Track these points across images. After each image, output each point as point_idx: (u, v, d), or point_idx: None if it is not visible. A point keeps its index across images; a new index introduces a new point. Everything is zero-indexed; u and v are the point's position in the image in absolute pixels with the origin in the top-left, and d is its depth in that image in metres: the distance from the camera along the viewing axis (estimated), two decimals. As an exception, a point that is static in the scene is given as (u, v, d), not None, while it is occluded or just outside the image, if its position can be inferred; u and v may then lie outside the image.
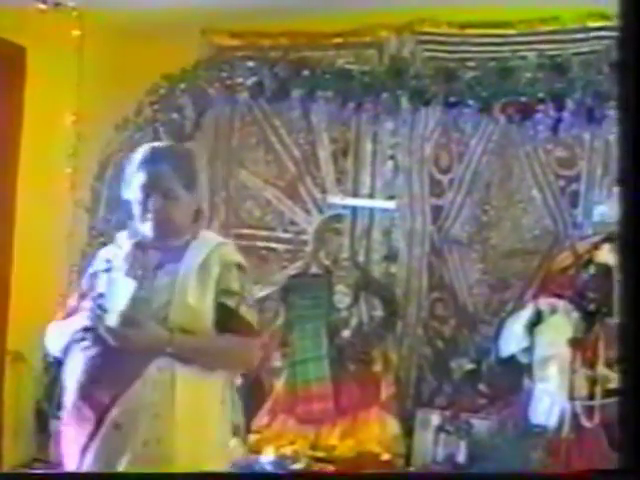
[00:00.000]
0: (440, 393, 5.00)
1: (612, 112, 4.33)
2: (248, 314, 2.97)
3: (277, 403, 4.91)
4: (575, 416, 4.23)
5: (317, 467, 4.58)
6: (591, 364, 4.23)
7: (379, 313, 5.05)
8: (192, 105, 5.23)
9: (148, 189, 2.92)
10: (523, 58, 4.75)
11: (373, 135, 5.25)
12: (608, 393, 4.12)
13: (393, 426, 4.80)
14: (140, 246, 2.98)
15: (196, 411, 2.88)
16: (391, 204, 5.19)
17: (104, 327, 2.78)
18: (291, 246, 5.32)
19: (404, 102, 4.90)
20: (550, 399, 4.33)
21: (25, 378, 5.13)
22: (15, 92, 5.08)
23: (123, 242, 3.03)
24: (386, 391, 4.85)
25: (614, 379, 4.10)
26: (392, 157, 5.23)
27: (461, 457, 4.63)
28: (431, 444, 4.76)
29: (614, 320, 4.17)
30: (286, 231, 5.39)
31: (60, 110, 5.21)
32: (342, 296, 4.99)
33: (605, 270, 4.25)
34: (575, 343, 4.29)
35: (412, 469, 4.68)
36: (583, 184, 4.82)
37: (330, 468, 4.57)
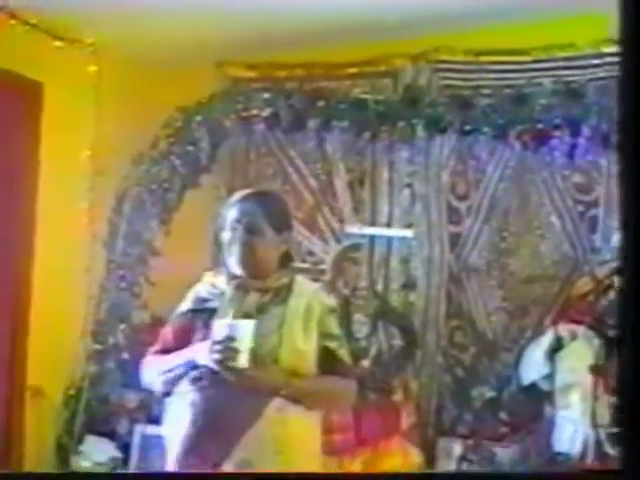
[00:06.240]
0: (461, 422, 4.97)
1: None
2: (346, 356, 3.10)
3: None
4: (599, 443, 4.20)
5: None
6: (613, 391, 4.20)
7: (398, 342, 5.03)
8: (208, 137, 5.24)
9: (236, 223, 3.05)
10: (538, 85, 4.74)
11: (389, 164, 5.26)
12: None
13: (415, 456, 4.76)
14: (240, 287, 3.07)
15: (304, 449, 3.02)
16: (409, 232, 5.19)
17: (232, 368, 2.87)
18: (309, 276, 5.28)
19: (420, 130, 4.89)
20: (573, 426, 4.29)
21: (45, 413, 5.13)
22: (32, 127, 5.13)
23: (218, 282, 3.11)
24: (407, 420, 4.82)
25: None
26: (409, 185, 5.23)
27: (484, 486, 4.59)
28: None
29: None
30: (304, 261, 5.38)
31: (77, 145, 5.24)
32: (360, 325, 4.97)
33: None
34: (596, 370, 4.26)
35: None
36: (601, 209, 4.80)
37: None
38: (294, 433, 2.95)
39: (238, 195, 3.15)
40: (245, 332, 2.88)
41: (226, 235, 3.08)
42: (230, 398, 2.90)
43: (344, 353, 3.08)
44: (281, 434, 2.91)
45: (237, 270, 3.06)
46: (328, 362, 3.04)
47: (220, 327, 2.94)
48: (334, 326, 3.09)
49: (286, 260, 3.15)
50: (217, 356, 2.86)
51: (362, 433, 4.75)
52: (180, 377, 3.00)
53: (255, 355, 2.89)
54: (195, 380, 2.95)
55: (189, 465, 2.95)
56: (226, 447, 2.89)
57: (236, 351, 2.85)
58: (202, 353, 2.92)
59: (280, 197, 3.36)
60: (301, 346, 2.98)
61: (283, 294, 3.07)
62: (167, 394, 3.08)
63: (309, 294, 3.09)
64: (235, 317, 2.97)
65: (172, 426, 3.03)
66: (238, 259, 3.04)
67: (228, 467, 2.88)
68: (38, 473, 4.38)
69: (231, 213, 3.08)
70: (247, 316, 2.98)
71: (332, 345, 3.06)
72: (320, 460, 3.16)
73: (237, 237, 3.04)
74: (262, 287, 3.06)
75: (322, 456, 4.66)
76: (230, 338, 2.87)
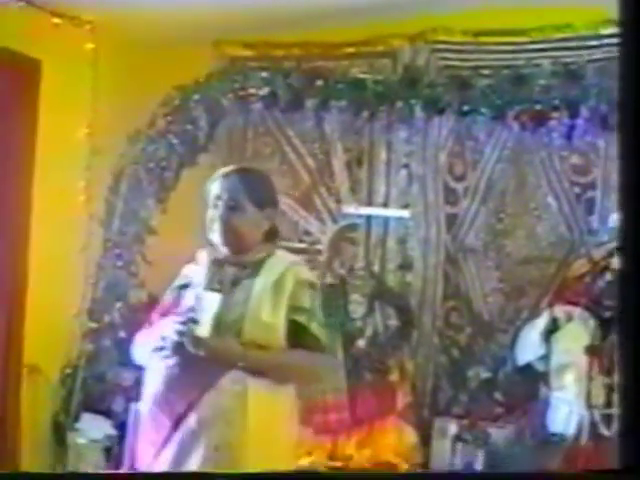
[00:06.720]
0: (457, 402, 4.99)
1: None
2: (318, 330, 3.05)
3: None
4: (593, 424, 4.21)
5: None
6: (608, 372, 4.21)
7: (394, 322, 5.03)
8: (205, 116, 5.22)
9: (217, 200, 3.08)
10: (537, 66, 4.74)
11: (387, 144, 5.25)
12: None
13: (410, 435, 4.78)
14: (217, 262, 3.11)
15: (268, 422, 2.98)
16: (406, 213, 5.19)
17: (192, 337, 2.90)
18: (306, 256, 5.28)
19: (418, 111, 4.87)
20: (568, 407, 4.31)
21: (42, 391, 5.15)
22: (30, 105, 5.10)
23: (202, 259, 3.16)
24: (402, 400, 4.84)
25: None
26: (406, 166, 5.22)
27: (479, 466, 4.61)
28: (449, 453, 4.74)
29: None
30: (301, 241, 5.39)
31: (74, 123, 5.23)
32: (357, 305, 4.98)
33: (621, 277, 4.23)
34: (592, 351, 4.27)
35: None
36: (599, 191, 4.81)
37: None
38: (254, 405, 2.93)
39: (221, 172, 3.16)
40: (210, 304, 2.93)
41: (210, 212, 3.10)
42: (187, 368, 2.92)
43: (315, 327, 3.04)
44: (233, 406, 2.91)
45: (219, 246, 3.09)
46: (297, 336, 3.02)
47: (187, 299, 3.00)
48: (306, 300, 3.05)
49: (271, 236, 3.16)
50: (177, 326, 2.90)
51: (357, 413, 4.77)
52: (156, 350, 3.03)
53: (219, 326, 2.92)
54: (158, 350, 2.97)
55: (147, 439, 3.02)
56: (177, 418, 2.93)
57: (195, 321, 2.89)
58: (168, 325, 2.97)
59: (263, 174, 3.34)
60: (266, 318, 2.97)
61: (258, 268, 3.07)
62: None
63: (284, 267, 3.07)
64: (208, 290, 3.00)
65: (144, 400, 3.09)
66: (219, 235, 3.06)
67: (177, 438, 2.92)
68: (35, 473, 4.37)
69: (213, 190, 3.10)
70: (221, 289, 3.00)
71: (301, 319, 3.02)
72: (293, 433, 3.15)
73: (218, 213, 3.06)
74: (240, 262, 3.08)
75: (318, 435, 4.75)
76: (191, 309, 2.93)
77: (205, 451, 2.90)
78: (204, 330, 2.90)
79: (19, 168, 5.08)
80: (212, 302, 2.94)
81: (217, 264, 3.10)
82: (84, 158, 5.29)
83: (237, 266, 3.08)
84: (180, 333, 2.89)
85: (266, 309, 2.98)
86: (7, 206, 5.05)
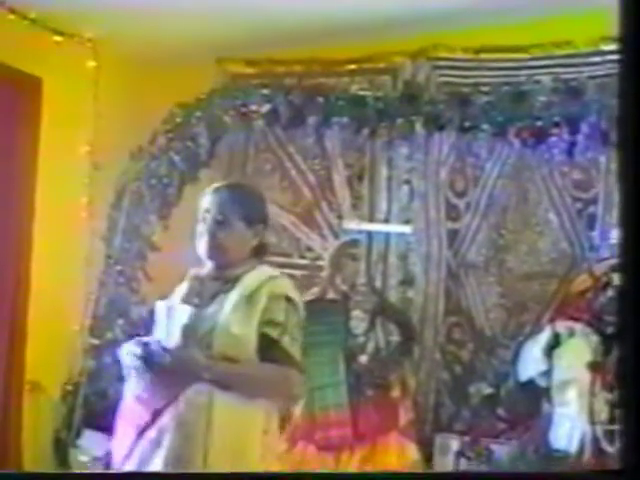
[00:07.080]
0: (459, 418, 4.98)
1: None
2: (290, 345, 3.02)
3: (296, 430, 4.87)
4: (596, 440, 4.20)
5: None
6: (611, 387, 4.21)
7: (396, 338, 5.03)
8: (207, 133, 5.23)
9: (205, 214, 3.08)
10: (537, 82, 4.74)
11: (388, 160, 5.27)
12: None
13: (412, 452, 4.76)
14: (199, 277, 3.12)
15: (236, 436, 2.96)
16: (407, 229, 5.20)
17: (158, 349, 2.92)
18: (307, 272, 5.31)
19: (419, 127, 4.88)
20: (570, 423, 4.29)
21: (43, 408, 5.14)
22: (32, 123, 5.12)
23: (190, 272, 3.18)
24: (405, 416, 4.82)
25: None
26: (408, 182, 5.23)
27: (481, 482, 4.60)
28: (451, 470, 4.73)
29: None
30: (302, 257, 5.39)
31: (76, 140, 5.25)
32: (358, 321, 4.97)
33: (623, 293, 4.22)
34: (594, 366, 4.26)
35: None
36: (600, 206, 4.81)
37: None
38: (220, 418, 2.91)
39: (212, 187, 3.16)
40: (180, 315, 2.96)
41: (199, 226, 3.10)
42: (154, 380, 2.92)
43: (287, 341, 3.00)
44: (196, 417, 2.89)
45: (205, 260, 3.09)
46: (268, 349, 2.98)
47: (160, 311, 3.04)
48: (280, 314, 3.00)
49: (259, 253, 3.15)
50: (141, 339, 2.95)
51: (359, 429, 4.75)
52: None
53: (189, 338, 2.93)
54: (130, 362, 2.98)
55: (116, 449, 3.04)
56: (142, 429, 2.93)
57: (159, 334, 2.96)
58: (136, 338, 3.01)
59: (255, 190, 3.34)
60: (236, 331, 2.95)
61: (236, 282, 3.05)
62: None
63: (260, 281, 3.04)
64: (182, 303, 3.03)
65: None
66: (205, 249, 3.06)
67: (139, 447, 2.92)
68: (36, 473, 4.38)
69: (203, 204, 3.11)
70: (198, 303, 3.02)
71: (272, 332, 2.98)
72: (269, 448, 3.07)
73: (206, 228, 3.06)
74: (223, 276, 3.07)
75: (320, 451, 4.74)
76: (159, 321, 2.98)
77: (164, 461, 2.88)
78: (172, 341, 2.93)
79: (21, 185, 5.10)
80: (182, 314, 2.96)
81: (199, 279, 3.11)
82: (86, 175, 5.31)
83: (219, 281, 3.07)
84: (144, 345, 2.92)
85: (237, 322, 2.96)
86: (9, 223, 5.06)
